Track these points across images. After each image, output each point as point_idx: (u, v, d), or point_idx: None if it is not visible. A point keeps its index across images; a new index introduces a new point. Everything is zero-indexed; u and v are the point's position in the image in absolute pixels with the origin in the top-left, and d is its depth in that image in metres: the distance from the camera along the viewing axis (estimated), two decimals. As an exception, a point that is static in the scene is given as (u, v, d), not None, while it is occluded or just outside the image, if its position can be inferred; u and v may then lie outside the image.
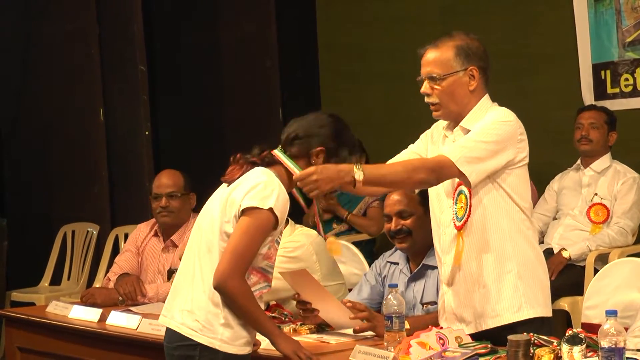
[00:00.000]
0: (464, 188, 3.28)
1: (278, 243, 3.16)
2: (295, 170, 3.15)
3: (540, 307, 3.33)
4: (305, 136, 3.20)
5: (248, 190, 3.07)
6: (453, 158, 3.19)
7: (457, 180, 3.30)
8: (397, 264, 3.99)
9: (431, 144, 3.51)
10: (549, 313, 3.37)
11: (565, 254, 5.31)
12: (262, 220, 3.04)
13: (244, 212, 3.05)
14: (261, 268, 3.13)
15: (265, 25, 7.25)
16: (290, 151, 3.20)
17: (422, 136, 3.57)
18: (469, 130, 3.32)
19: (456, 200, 3.32)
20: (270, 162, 3.20)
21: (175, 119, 7.60)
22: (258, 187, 3.07)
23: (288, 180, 3.17)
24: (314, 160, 3.18)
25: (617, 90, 5.95)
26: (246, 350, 3.13)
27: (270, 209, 3.04)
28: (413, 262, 3.94)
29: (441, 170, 3.20)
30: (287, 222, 4.48)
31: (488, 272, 3.31)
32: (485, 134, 3.24)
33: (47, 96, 7.42)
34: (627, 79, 5.91)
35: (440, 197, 3.43)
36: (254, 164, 3.18)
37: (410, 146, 3.58)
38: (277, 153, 3.21)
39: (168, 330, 3.18)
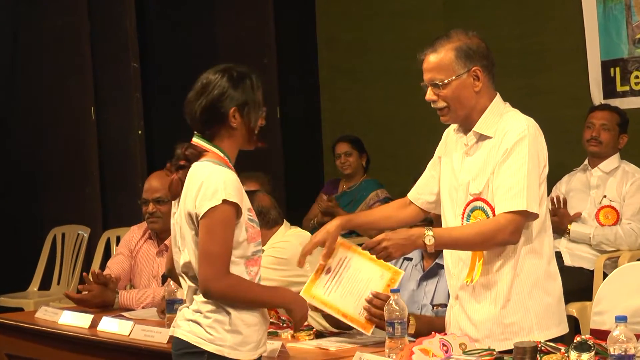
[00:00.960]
0: (481, 204, 3.21)
1: (252, 220, 3.11)
2: (220, 154, 3.08)
3: (554, 327, 3.27)
4: (210, 107, 3.11)
5: (195, 196, 3.04)
6: (523, 207, 3.13)
7: (470, 194, 3.23)
8: (411, 259, 3.94)
9: (444, 150, 3.42)
10: (563, 331, 3.30)
11: (570, 227, 5.39)
12: (221, 214, 3.01)
13: (203, 217, 3.03)
14: (254, 253, 3.10)
15: (263, 21, 7.29)
16: (206, 130, 3.12)
17: (436, 153, 3.48)
18: (482, 135, 3.25)
19: (468, 215, 3.24)
20: (200, 152, 3.14)
21: (169, 118, 7.51)
22: (202, 188, 3.03)
23: (228, 154, 3.11)
24: (232, 122, 3.10)
25: (627, 88, 5.95)
26: (256, 354, 3.10)
27: (224, 201, 3.01)
28: (427, 259, 3.89)
29: (520, 227, 3.17)
30: (282, 222, 4.40)
31: (498, 292, 3.24)
32: (523, 162, 3.16)
33: (37, 95, 7.42)
34: (637, 77, 5.90)
35: (455, 208, 3.34)
36: (185, 167, 3.14)
37: (429, 166, 3.49)
38: (197, 141, 3.15)
39: (174, 338, 3.17)
